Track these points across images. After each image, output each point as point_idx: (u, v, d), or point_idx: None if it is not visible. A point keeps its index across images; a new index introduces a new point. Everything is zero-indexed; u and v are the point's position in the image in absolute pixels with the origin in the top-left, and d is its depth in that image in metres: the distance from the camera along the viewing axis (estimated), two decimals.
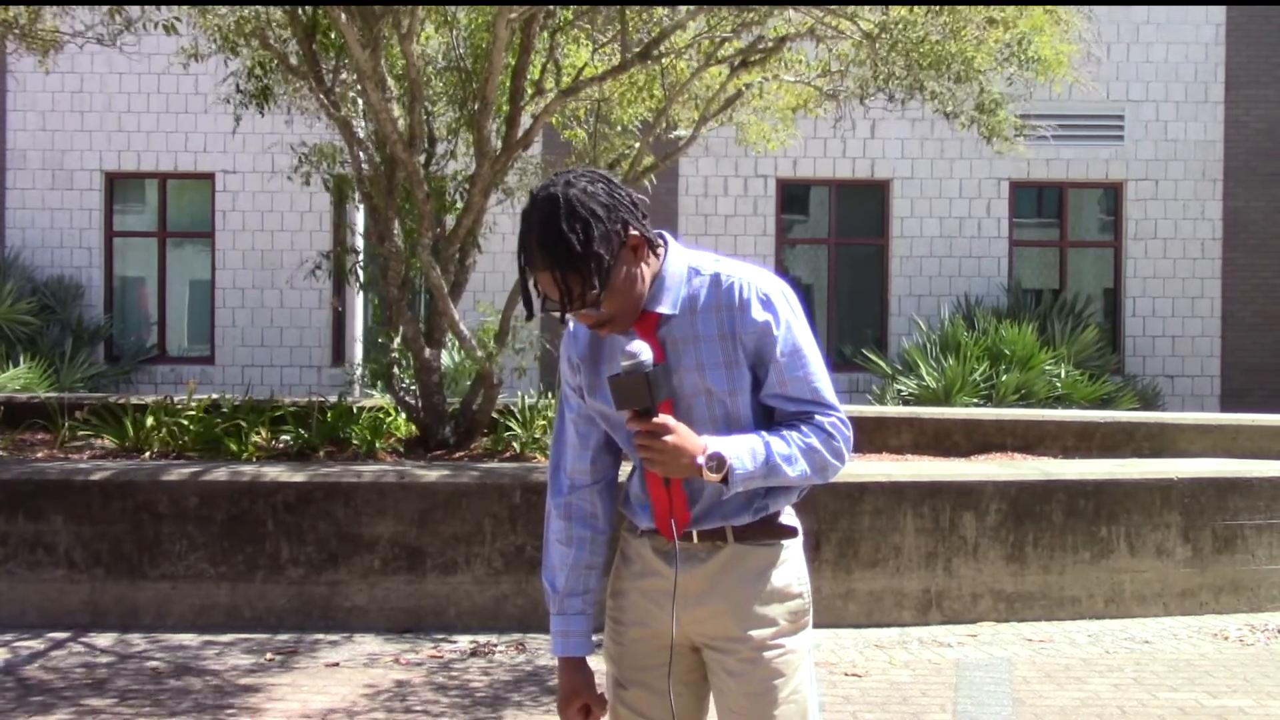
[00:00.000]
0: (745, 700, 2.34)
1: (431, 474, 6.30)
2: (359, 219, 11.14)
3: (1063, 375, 13.46)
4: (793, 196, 15.79)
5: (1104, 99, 14.65)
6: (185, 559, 6.07)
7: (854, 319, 15.71)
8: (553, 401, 8.37)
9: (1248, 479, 6.71)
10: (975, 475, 6.66)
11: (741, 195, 15.39)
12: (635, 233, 2.26)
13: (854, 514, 6.24)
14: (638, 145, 8.80)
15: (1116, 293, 15.75)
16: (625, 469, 2.53)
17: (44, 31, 8.50)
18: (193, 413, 8.17)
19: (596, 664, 2.50)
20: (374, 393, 10.06)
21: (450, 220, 8.40)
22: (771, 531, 2.39)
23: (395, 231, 8.00)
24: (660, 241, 2.34)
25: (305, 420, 8.14)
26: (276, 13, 7.89)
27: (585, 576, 2.46)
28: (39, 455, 7.74)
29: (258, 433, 7.95)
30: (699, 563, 2.37)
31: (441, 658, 5.61)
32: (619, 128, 9.19)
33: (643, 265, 2.29)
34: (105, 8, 8.12)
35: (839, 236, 15.73)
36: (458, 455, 7.76)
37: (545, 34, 8.05)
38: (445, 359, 10.24)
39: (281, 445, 7.90)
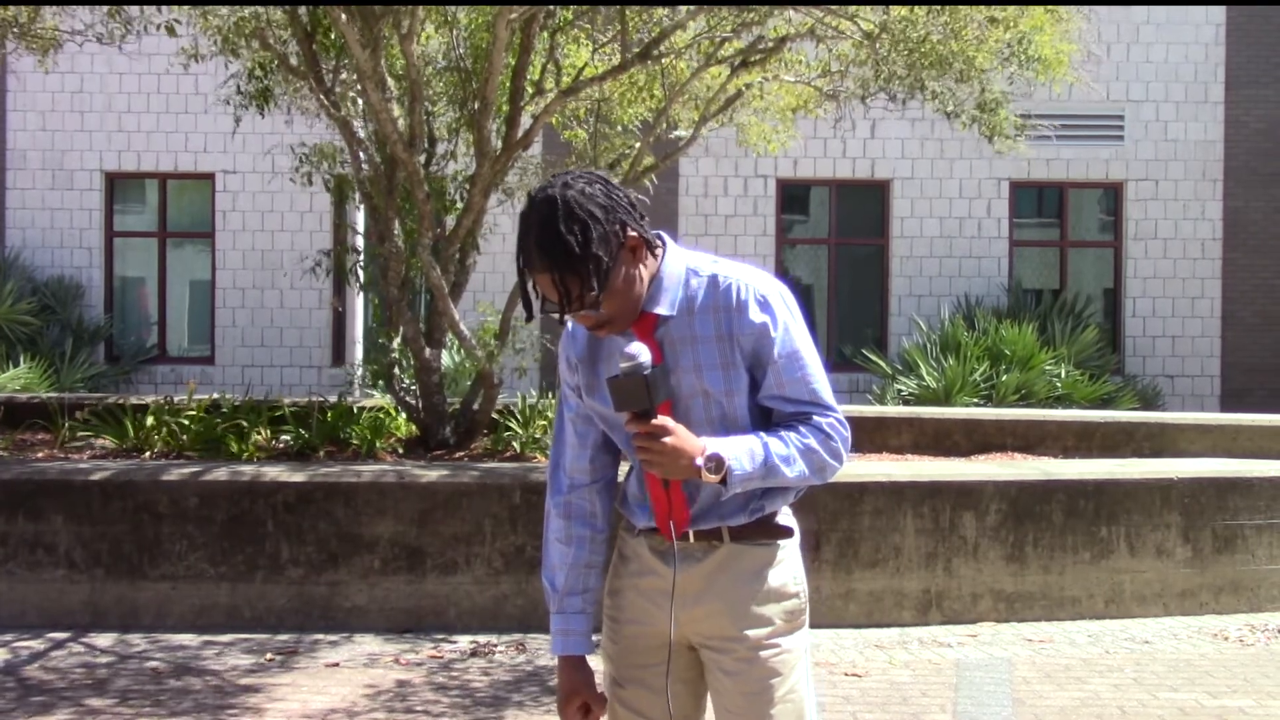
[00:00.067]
0: (742, 700, 2.35)
1: (431, 474, 6.30)
2: (359, 219, 11.14)
3: (1063, 375, 13.46)
4: (793, 197, 15.79)
5: (1104, 99, 14.66)
6: (185, 559, 6.07)
7: (854, 319, 15.71)
8: (553, 401, 8.37)
9: (1248, 479, 6.71)
10: (975, 475, 6.66)
11: (741, 195, 15.39)
12: (633, 234, 2.26)
13: (854, 514, 6.24)
14: (638, 145, 8.80)
15: (1116, 293, 15.75)
16: (623, 468, 2.53)
17: (43, 30, 8.50)
18: (193, 413, 8.16)
19: (596, 663, 2.50)
20: (374, 393, 10.06)
21: (450, 220, 8.40)
22: (768, 532, 2.40)
23: (395, 231, 8.00)
24: (658, 242, 2.35)
25: (305, 420, 8.15)
26: (276, 13, 7.89)
27: (584, 575, 2.46)
28: (39, 455, 7.74)
29: (258, 433, 7.95)
30: (695, 562, 2.38)
31: (441, 658, 5.61)
32: (619, 128, 9.19)
33: (641, 266, 2.30)
34: (105, 8, 8.12)
35: (839, 236, 15.73)
36: (458, 455, 7.76)
37: (545, 34, 8.05)
38: (445, 359, 10.24)
39: (281, 445, 7.90)
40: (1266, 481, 6.70)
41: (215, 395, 9.17)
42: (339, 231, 13.08)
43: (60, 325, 14.87)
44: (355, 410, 8.46)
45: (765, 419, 2.37)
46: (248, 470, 6.37)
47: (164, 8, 7.93)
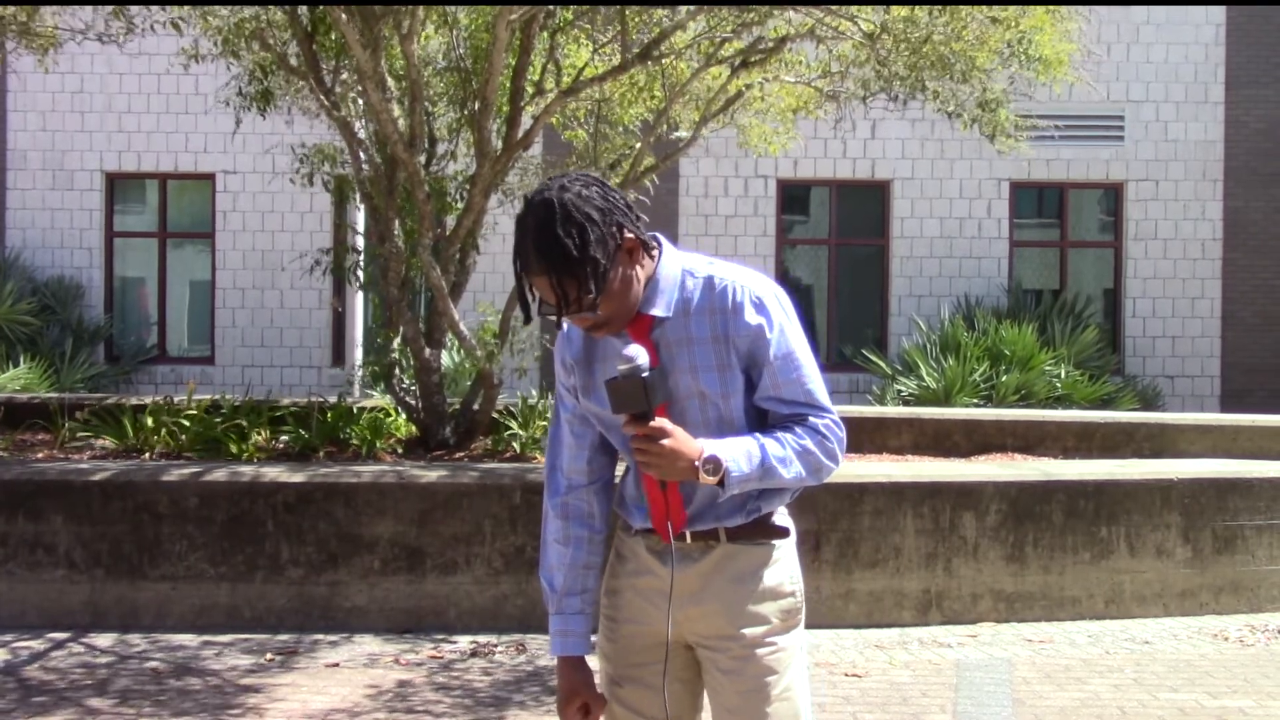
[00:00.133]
0: (739, 698, 2.35)
1: (431, 474, 6.30)
2: (359, 219, 11.15)
3: (1063, 376, 13.46)
4: (793, 197, 15.79)
5: (1104, 99, 14.66)
6: (185, 559, 6.07)
7: (854, 319, 15.71)
8: (552, 401, 8.36)
9: (1248, 479, 6.71)
10: (975, 475, 6.66)
11: (742, 196, 15.40)
12: (630, 235, 2.27)
13: (854, 514, 6.24)
14: (638, 146, 8.80)
15: (1116, 293, 15.75)
16: (620, 468, 2.54)
17: (43, 29, 8.50)
18: (193, 413, 8.17)
19: (594, 663, 2.50)
20: (374, 393, 10.06)
21: (450, 220, 8.41)
22: (764, 531, 2.41)
23: (395, 231, 8.00)
24: (654, 244, 2.35)
25: (305, 421, 8.15)
26: (276, 14, 7.89)
27: (583, 576, 2.47)
28: (39, 455, 7.74)
29: (258, 433, 7.95)
30: (692, 562, 2.39)
31: (442, 658, 5.61)
32: (620, 128, 9.19)
33: (638, 267, 2.31)
34: (109, 8, 8.12)
35: (839, 237, 15.73)
36: (458, 455, 7.76)
37: (545, 34, 8.05)
38: (445, 359, 10.25)
39: (281, 446, 7.91)
40: (1266, 482, 6.70)
41: (215, 395, 9.18)
42: (339, 231, 13.08)
43: (60, 325, 14.87)
44: (355, 410, 8.46)
45: (761, 420, 2.38)
46: (247, 470, 6.37)
47: (167, 7, 7.93)
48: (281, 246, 15.34)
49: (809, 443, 2.32)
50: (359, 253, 9.22)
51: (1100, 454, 9.24)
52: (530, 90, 8.08)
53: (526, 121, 7.91)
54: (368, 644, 5.82)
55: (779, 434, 2.32)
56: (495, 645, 5.81)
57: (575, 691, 2.44)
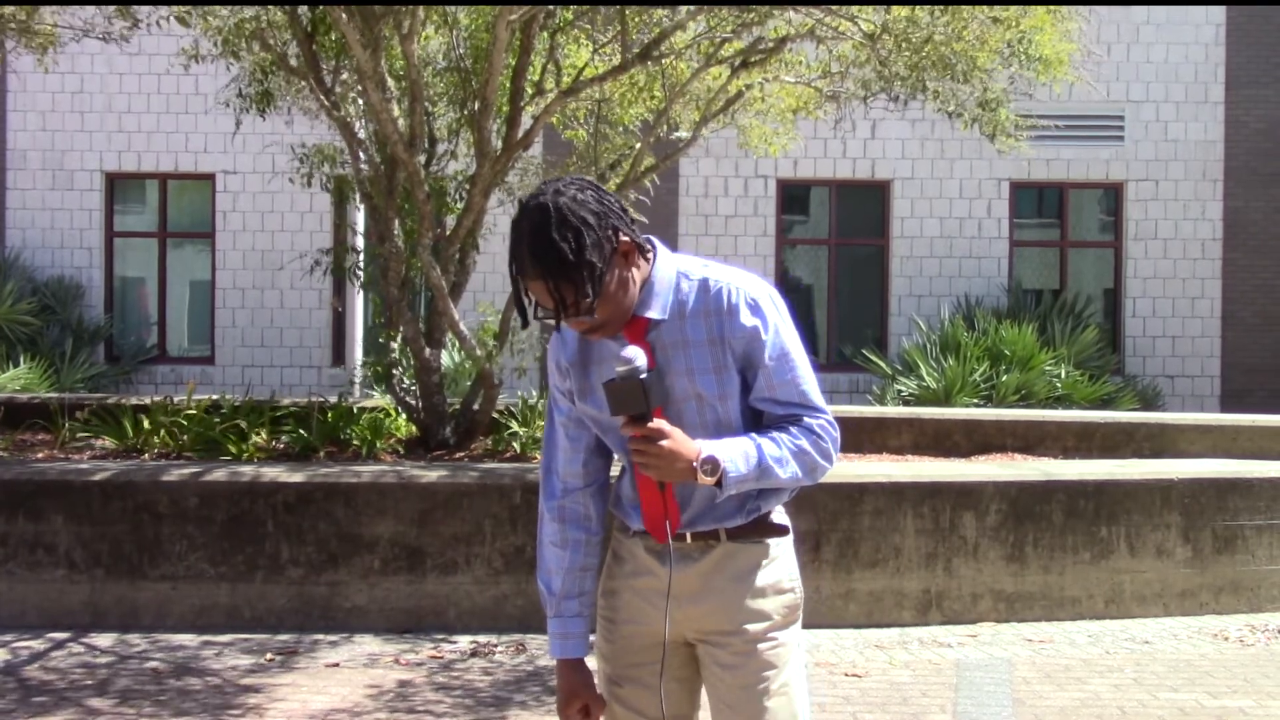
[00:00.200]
0: (739, 692, 2.37)
1: (431, 474, 6.30)
2: (359, 219, 11.15)
3: (1063, 376, 13.46)
4: (793, 197, 15.79)
5: (1104, 99, 14.66)
6: (185, 559, 6.07)
7: (854, 319, 15.71)
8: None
9: (1248, 479, 6.71)
10: (975, 475, 6.66)
11: (742, 196, 15.40)
12: (625, 239, 2.28)
13: (854, 514, 6.24)
14: (638, 146, 8.80)
15: (1116, 293, 15.75)
16: (615, 469, 2.55)
17: (42, 28, 8.50)
18: (193, 413, 8.16)
19: (592, 663, 2.51)
20: (374, 393, 10.07)
21: (450, 220, 8.40)
22: (763, 530, 2.43)
23: (395, 231, 8.00)
24: (649, 247, 2.36)
25: (305, 421, 8.15)
26: (277, 14, 7.89)
27: (581, 579, 2.48)
28: (39, 455, 7.74)
29: (258, 433, 7.95)
30: (692, 562, 2.40)
31: (442, 658, 5.61)
32: (620, 128, 9.19)
33: (633, 270, 2.31)
34: (111, 8, 8.12)
35: (839, 237, 15.73)
36: (458, 455, 7.76)
37: (545, 34, 8.06)
38: (445, 359, 10.25)
39: (282, 446, 7.91)
40: (1266, 482, 6.70)
41: (215, 396, 9.18)
42: (339, 232, 13.09)
43: (60, 325, 14.87)
44: (355, 410, 8.46)
45: (756, 420, 2.39)
46: (247, 470, 6.37)
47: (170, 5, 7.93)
48: (281, 246, 15.34)
49: (804, 443, 2.34)
50: (359, 253, 9.22)
51: (1100, 454, 9.24)
52: (530, 90, 8.08)
53: (526, 121, 7.91)
54: (368, 644, 5.82)
55: (775, 434, 2.33)
56: (495, 645, 5.81)
57: (575, 693, 2.46)
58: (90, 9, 8.73)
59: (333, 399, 8.99)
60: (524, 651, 5.73)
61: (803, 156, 14.72)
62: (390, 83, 7.53)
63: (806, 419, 2.36)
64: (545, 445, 2.53)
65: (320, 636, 5.93)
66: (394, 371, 8.06)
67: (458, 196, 8.64)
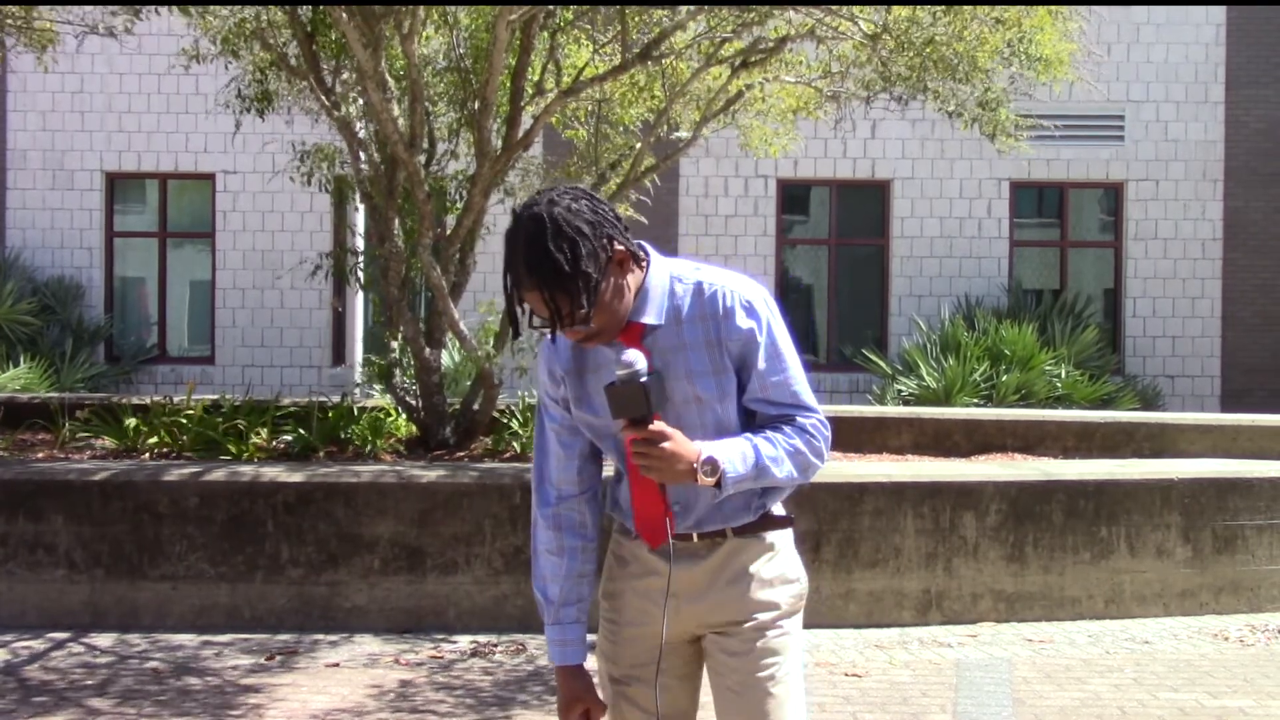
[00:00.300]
0: (745, 678, 2.40)
1: (431, 474, 6.30)
2: (359, 220, 11.15)
3: (1063, 375, 13.46)
4: (793, 197, 15.79)
5: (1104, 99, 14.65)
6: (185, 559, 6.07)
7: (854, 319, 15.70)
8: None
9: (1248, 479, 6.71)
10: (975, 475, 6.66)
11: (742, 196, 15.40)
12: (620, 248, 2.29)
13: (854, 514, 6.24)
14: (638, 146, 8.80)
15: (1117, 293, 15.75)
16: (608, 471, 2.56)
17: (41, 26, 8.50)
18: (193, 413, 8.16)
19: (592, 663, 2.52)
20: (374, 393, 10.07)
21: (451, 220, 8.40)
22: (767, 524, 2.46)
23: (395, 231, 8.00)
24: (643, 254, 2.38)
25: (305, 420, 8.14)
26: (277, 14, 7.89)
27: (578, 585, 2.50)
28: (39, 455, 7.74)
29: (258, 433, 7.95)
30: (699, 560, 2.43)
31: (442, 658, 5.61)
32: (620, 128, 9.19)
33: (628, 278, 2.33)
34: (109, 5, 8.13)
35: (839, 237, 15.73)
36: (458, 455, 7.76)
37: (545, 34, 8.05)
38: (445, 359, 10.24)
39: (282, 446, 7.90)
40: (1266, 481, 6.70)
41: (215, 396, 9.17)
42: (339, 232, 13.09)
43: (60, 325, 14.87)
44: (355, 410, 8.46)
45: (749, 420, 2.42)
46: (247, 470, 6.37)
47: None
48: (281, 246, 15.34)
49: (798, 442, 2.37)
50: (358, 254, 9.22)
51: (1100, 454, 9.24)
52: (530, 90, 8.08)
53: (526, 121, 7.91)
54: (368, 644, 5.82)
55: (769, 434, 2.37)
56: (495, 645, 5.81)
57: (577, 697, 2.48)
58: (89, 5, 8.72)
59: (335, 399, 8.99)
60: (524, 651, 5.73)
61: (803, 156, 14.72)
62: (390, 82, 7.53)
63: (799, 419, 2.39)
64: (537, 453, 2.54)
65: (320, 636, 5.93)
66: (394, 371, 8.06)
67: (458, 196, 8.64)
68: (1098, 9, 13.59)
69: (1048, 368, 13.46)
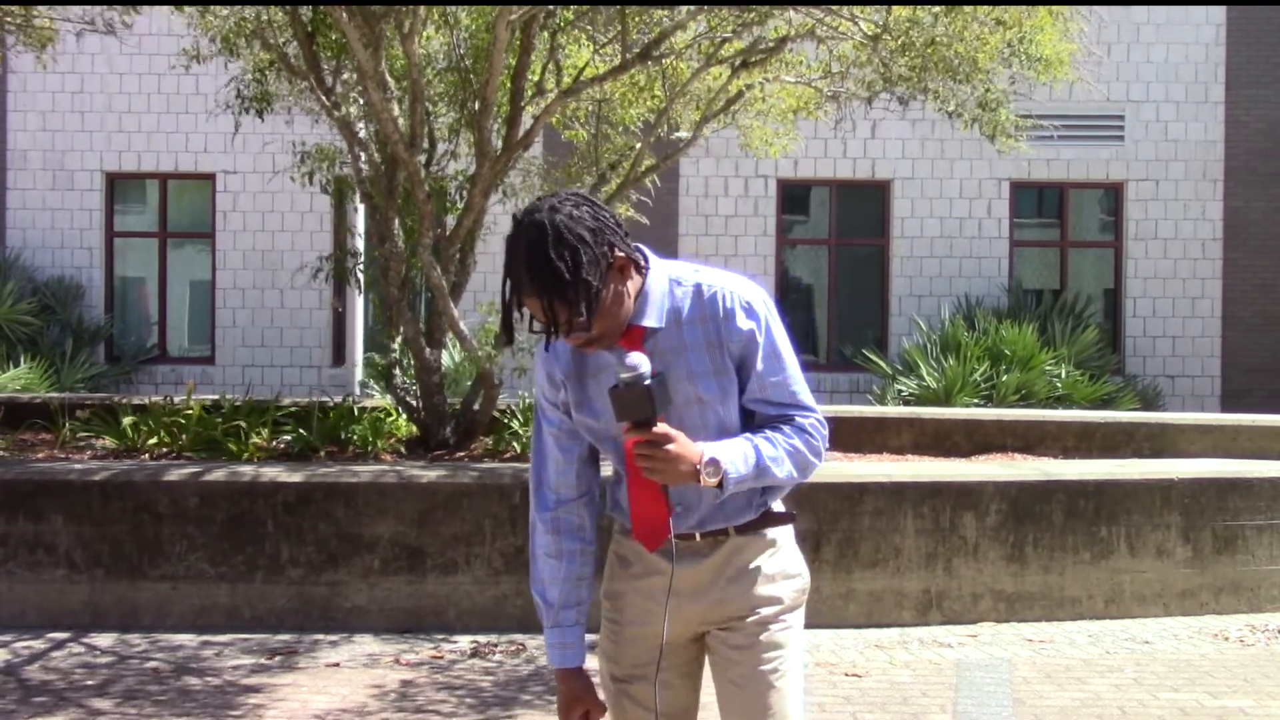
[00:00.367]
0: (748, 671, 2.41)
1: (431, 474, 6.30)
2: (359, 220, 11.15)
3: (1063, 375, 13.46)
4: (793, 197, 15.79)
5: (1104, 99, 14.66)
6: (185, 559, 6.07)
7: (854, 319, 15.70)
8: None
9: (1248, 479, 6.71)
10: (975, 475, 6.66)
11: (742, 196, 15.39)
12: (621, 254, 2.30)
13: (854, 514, 6.24)
14: (639, 146, 8.80)
15: (1117, 293, 15.75)
16: (607, 473, 2.57)
17: (40, 23, 8.50)
18: (192, 413, 8.16)
19: (591, 663, 2.52)
20: (374, 393, 10.07)
21: (451, 220, 8.41)
22: (768, 521, 2.48)
23: (395, 231, 8.00)
24: (643, 260, 2.39)
25: (306, 421, 8.15)
26: (277, 13, 7.89)
27: (577, 588, 2.51)
28: (39, 455, 7.74)
29: (258, 433, 7.95)
30: (702, 558, 2.45)
31: (442, 658, 5.61)
32: (620, 128, 9.19)
33: (628, 284, 2.34)
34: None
35: (839, 237, 15.73)
36: (458, 455, 7.76)
37: (545, 34, 8.05)
38: (445, 359, 10.25)
39: (282, 446, 7.90)
40: (1266, 481, 6.70)
41: (215, 396, 9.18)
42: (339, 233, 13.08)
43: (60, 325, 14.87)
44: (355, 410, 8.46)
45: (749, 419, 2.44)
46: (247, 470, 6.37)
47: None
48: (281, 246, 15.34)
49: (798, 442, 2.40)
50: (358, 255, 9.22)
51: (1100, 454, 9.24)
52: (530, 90, 8.08)
53: (527, 121, 7.91)
54: (368, 644, 5.82)
55: (769, 434, 2.39)
56: (495, 645, 5.81)
57: (576, 698, 2.49)
58: (90, 5, 8.73)
59: (336, 399, 8.99)
60: (524, 652, 5.73)
61: (803, 156, 14.72)
62: (391, 82, 7.53)
63: (798, 418, 2.41)
64: (535, 457, 2.54)
65: (320, 636, 5.93)
66: (394, 371, 8.06)
67: (458, 196, 8.65)
68: (1098, 9, 13.59)
69: (1048, 368, 13.46)
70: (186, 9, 8.28)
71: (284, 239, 15.35)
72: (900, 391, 13.63)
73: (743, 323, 2.37)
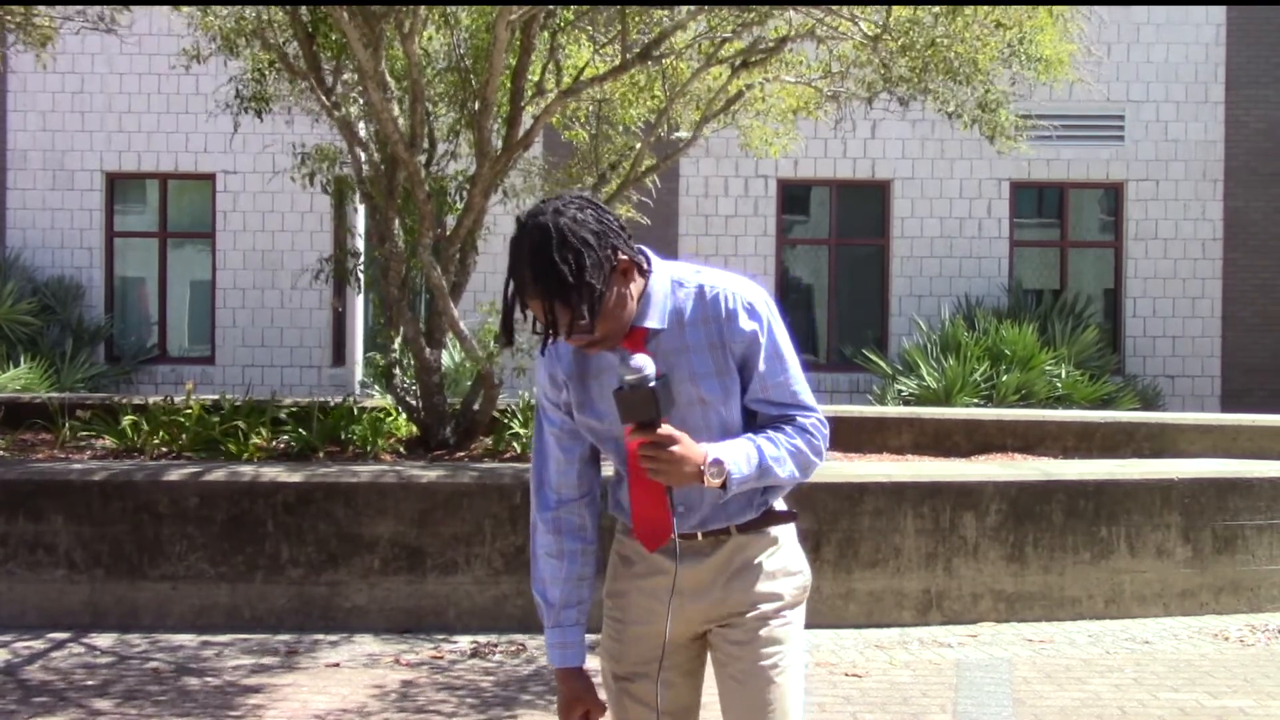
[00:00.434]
0: (749, 666, 2.43)
1: (431, 474, 6.30)
2: (359, 220, 11.15)
3: (1063, 375, 13.45)
4: (793, 197, 15.79)
5: (1104, 99, 14.66)
6: (185, 559, 6.07)
7: (854, 319, 15.70)
8: None
9: (1248, 479, 6.71)
10: (975, 475, 6.66)
11: (742, 196, 15.39)
12: (624, 257, 2.31)
13: (854, 514, 6.24)
14: (639, 146, 8.80)
15: (1117, 293, 15.75)
16: (608, 473, 2.58)
17: (40, 21, 8.50)
18: (192, 413, 8.16)
19: (591, 662, 2.52)
20: (374, 393, 10.07)
21: (451, 220, 8.41)
22: (770, 520, 2.50)
23: (395, 231, 8.01)
24: (646, 262, 2.39)
25: (305, 421, 8.15)
26: (277, 13, 7.89)
27: (578, 588, 2.52)
28: (39, 455, 7.74)
29: (258, 433, 7.95)
30: (704, 558, 2.46)
31: (442, 658, 5.61)
32: (620, 128, 9.19)
33: (631, 286, 2.35)
34: None
35: (839, 237, 15.73)
36: (458, 455, 7.76)
37: (546, 34, 8.05)
38: (445, 359, 10.24)
39: (282, 446, 7.90)
40: (1266, 481, 6.70)
41: (215, 396, 9.18)
42: (339, 233, 13.08)
43: (60, 325, 14.87)
44: (355, 410, 8.46)
45: (751, 419, 2.45)
46: (247, 470, 6.37)
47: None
48: (281, 246, 15.34)
49: (800, 442, 2.41)
50: (359, 256, 9.22)
51: (1100, 454, 9.24)
52: (530, 90, 8.08)
53: (527, 121, 7.91)
54: (368, 644, 5.82)
55: (771, 435, 2.40)
56: (495, 645, 5.81)
57: (577, 698, 2.50)
58: (90, 4, 8.73)
59: (336, 399, 8.99)
60: (524, 652, 5.73)
61: (803, 156, 14.71)
62: (391, 82, 7.53)
63: (800, 418, 2.43)
64: (536, 458, 2.55)
65: (320, 636, 5.93)
66: (394, 371, 8.06)
67: (458, 196, 8.65)
68: (1098, 9, 13.59)
69: (1048, 368, 13.46)
70: (186, 9, 8.28)
71: (284, 239, 15.35)
72: (900, 391, 13.63)
73: (745, 324, 2.38)
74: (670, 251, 14.19)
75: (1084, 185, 15.71)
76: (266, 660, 5.54)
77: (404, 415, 8.37)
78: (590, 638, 2.54)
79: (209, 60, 8.53)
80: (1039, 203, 16.07)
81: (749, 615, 2.44)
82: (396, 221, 8.02)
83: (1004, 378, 13.22)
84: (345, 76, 8.16)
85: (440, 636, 5.96)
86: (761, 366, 2.39)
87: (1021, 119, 8.70)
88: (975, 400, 13.02)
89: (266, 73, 8.53)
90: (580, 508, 2.52)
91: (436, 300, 7.87)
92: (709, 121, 8.94)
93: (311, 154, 8.62)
